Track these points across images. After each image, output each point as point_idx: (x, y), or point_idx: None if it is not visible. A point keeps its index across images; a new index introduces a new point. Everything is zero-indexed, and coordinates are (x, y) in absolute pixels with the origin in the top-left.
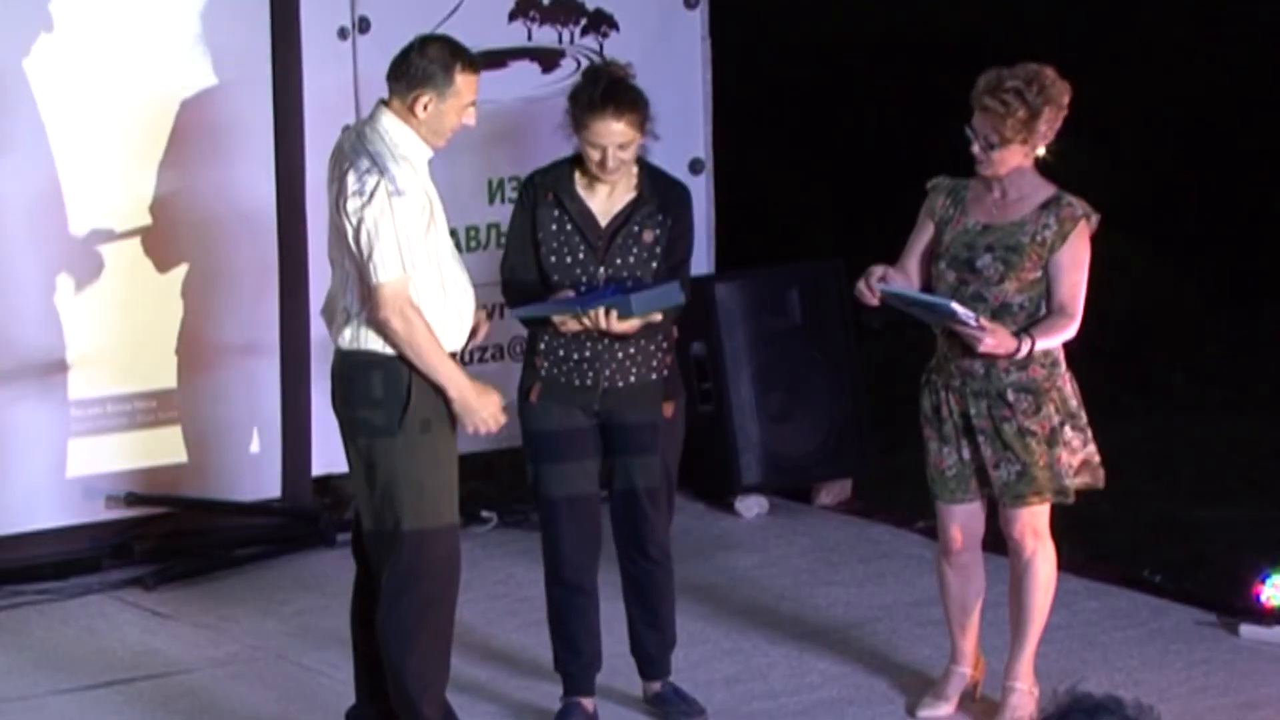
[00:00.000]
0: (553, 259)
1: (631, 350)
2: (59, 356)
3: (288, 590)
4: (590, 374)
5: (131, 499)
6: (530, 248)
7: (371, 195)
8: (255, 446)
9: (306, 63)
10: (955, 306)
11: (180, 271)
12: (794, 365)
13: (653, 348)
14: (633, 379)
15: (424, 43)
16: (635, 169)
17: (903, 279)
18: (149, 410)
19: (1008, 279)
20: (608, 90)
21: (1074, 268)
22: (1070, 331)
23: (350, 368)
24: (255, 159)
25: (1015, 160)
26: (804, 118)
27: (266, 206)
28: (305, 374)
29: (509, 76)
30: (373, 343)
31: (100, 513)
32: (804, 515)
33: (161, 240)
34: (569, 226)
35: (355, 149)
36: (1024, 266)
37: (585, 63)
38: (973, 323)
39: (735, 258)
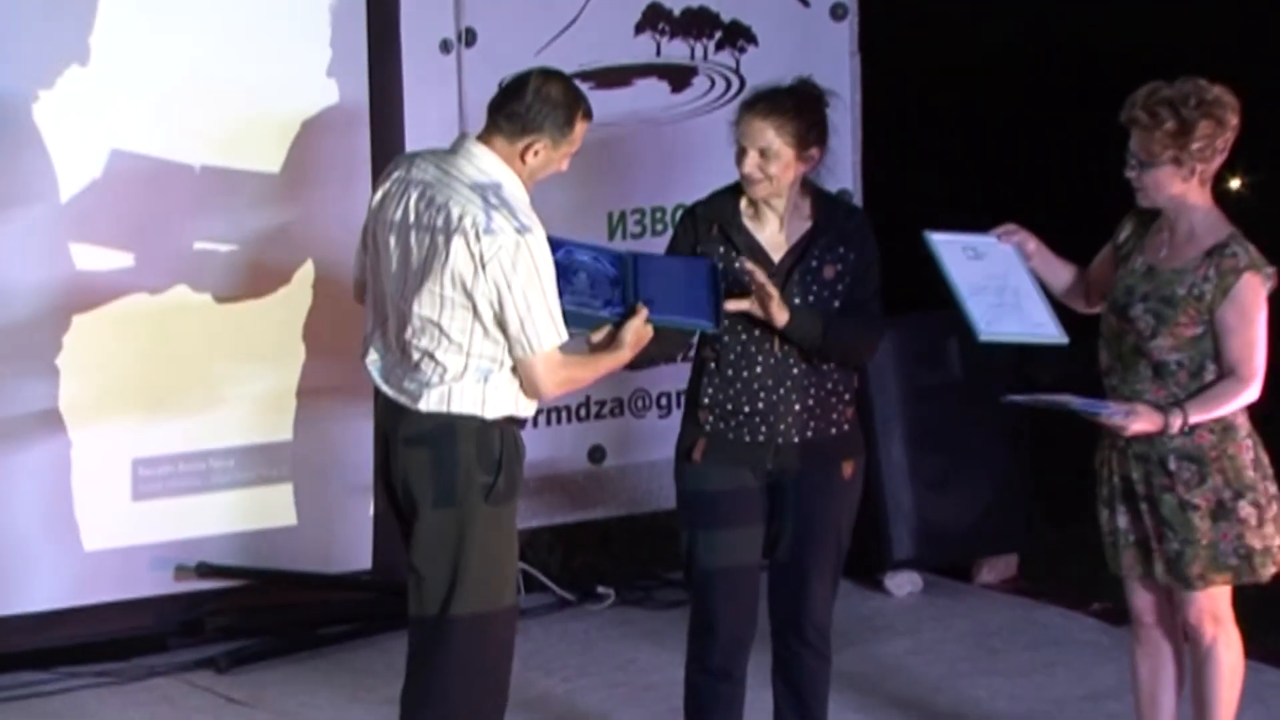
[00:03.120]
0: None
1: (810, 401)
2: (123, 409)
3: (378, 674)
4: (763, 428)
5: (204, 569)
6: None
7: (516, 250)
8: (344, 513)
9: (406, 81)
10: (1075, 404)
11: (262, 318)
12: (953, 425)
13: (834, 399)
14: (810, 434)
15: (544, 81)
16: (807, 199)
17: (1058, 273)
18: (225, 470)
19: (1160, 334)
20: (769, 91)
21: (1244, 325)
22: (1244, 397)
23: (438, 431)
24: (352, 190)
25: (1171, 186)
26: (965, 144)
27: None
28: None
29: (633, 96)
30: (468, 404)
31: (169, 585)
32: (963, 595)
33: (246, 281)
34: (737, 264)
35: (459, 187)
36: (1178, 322)
37: (720, 81)
38: (1104, 414)
39: (886, 301)
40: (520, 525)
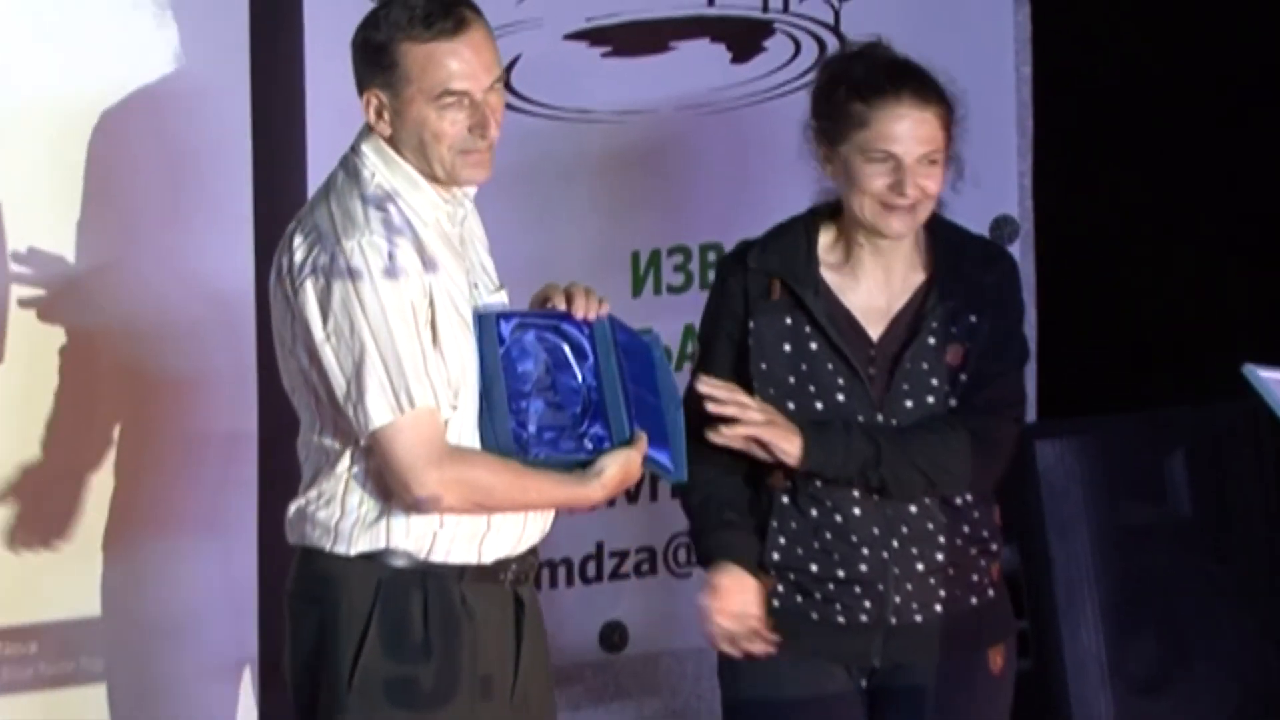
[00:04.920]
0: (790, 405)
1: (939, 555)
2: None
3: None
4: (867, 602)
5: None
6: (728, 373)
7: (332, 266)
8: (217, 699)
9: (310, 51)
10: None
11: (94, 408)
12: (1176, 587)
13: (974, 548)
14: (939, 607)
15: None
16: (922, 234)
17: None
18: (27, 660)
19: None
20: (902, 65)
21: None
22: None
23: (301, 582)
24: (220, 216)
25: None
26: (1180, 162)
27: (241, 294)
28: None
29: (672, 68)
30: (318, 534)
31: None
32: None
33: (70, 349)
34: (814, 345)
35: (319, 209)
36: None
37: (809, 43)
38: None
39: (1067, 387)
40: None
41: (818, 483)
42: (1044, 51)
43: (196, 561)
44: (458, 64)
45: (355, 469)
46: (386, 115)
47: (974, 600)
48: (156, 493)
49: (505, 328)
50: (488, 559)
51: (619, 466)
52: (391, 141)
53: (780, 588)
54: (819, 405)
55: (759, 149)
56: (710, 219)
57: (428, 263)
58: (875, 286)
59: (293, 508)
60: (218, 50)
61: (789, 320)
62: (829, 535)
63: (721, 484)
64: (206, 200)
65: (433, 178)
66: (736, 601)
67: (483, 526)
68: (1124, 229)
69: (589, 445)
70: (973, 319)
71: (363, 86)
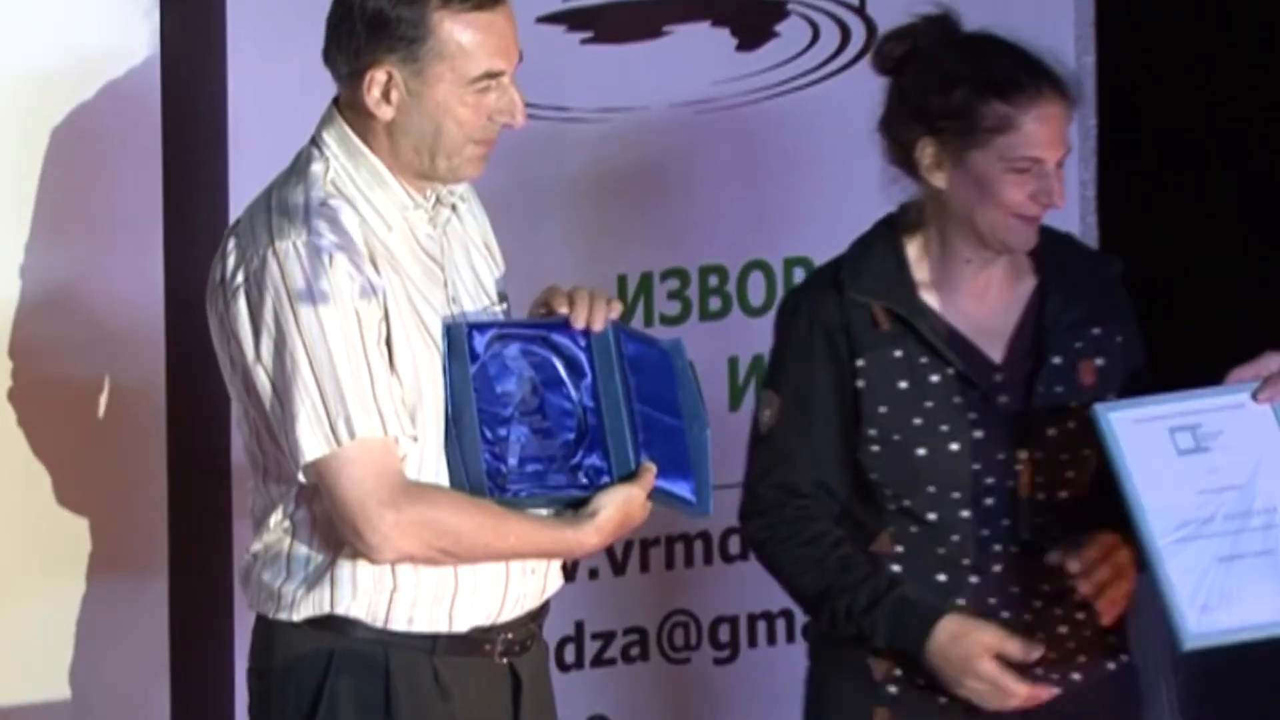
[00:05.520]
0: (920, 451)
1: (1080, 616)
2: None
3: None
4: None
5: None
6: (835, 424)
7: (264, 271)
8: None
9: (237, 34)
10: None
11: None
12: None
13: (1104, 601)
14: (1077, 676)
15: None
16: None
17: None
18: None
19: None
20: (1025, 53)
21: None
22: None
23: (261, 658)
24: (126, 222)
25: None
26: (1271, 167)
27: (148, 313)
28: (224, 642)
29: (667, 57)
30: (300, 603)
31: None
32: None
33: None
34: (935, 377)
35: (256, 205)
36: None
37: (829, 27)
38: None
39: None
40: None
41: (939, 549)
42: (1110, 39)
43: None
44: (498, 40)
45: (299, 514)
46: (396, 96)
47: (1110, 664)
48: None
49: (479, 340)
50: (462, 626)
51: (618, 506)
52: (367, 128)
53: (895, 669)
54: (953, 446)
55: (769, 154)
56: (712, 237)
57: (381, 270)
58: (978, 303)
59: (241, 565)
60: (121, 13)
61: (899, 353)
62: (960, 592)
63: (842, 534)
64: (108, 196)
65: (418, 174)
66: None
67: (449, 585)
68: (1203, 245)
69: (583, 479)
70: (1096, 331)
71: (363, 62)
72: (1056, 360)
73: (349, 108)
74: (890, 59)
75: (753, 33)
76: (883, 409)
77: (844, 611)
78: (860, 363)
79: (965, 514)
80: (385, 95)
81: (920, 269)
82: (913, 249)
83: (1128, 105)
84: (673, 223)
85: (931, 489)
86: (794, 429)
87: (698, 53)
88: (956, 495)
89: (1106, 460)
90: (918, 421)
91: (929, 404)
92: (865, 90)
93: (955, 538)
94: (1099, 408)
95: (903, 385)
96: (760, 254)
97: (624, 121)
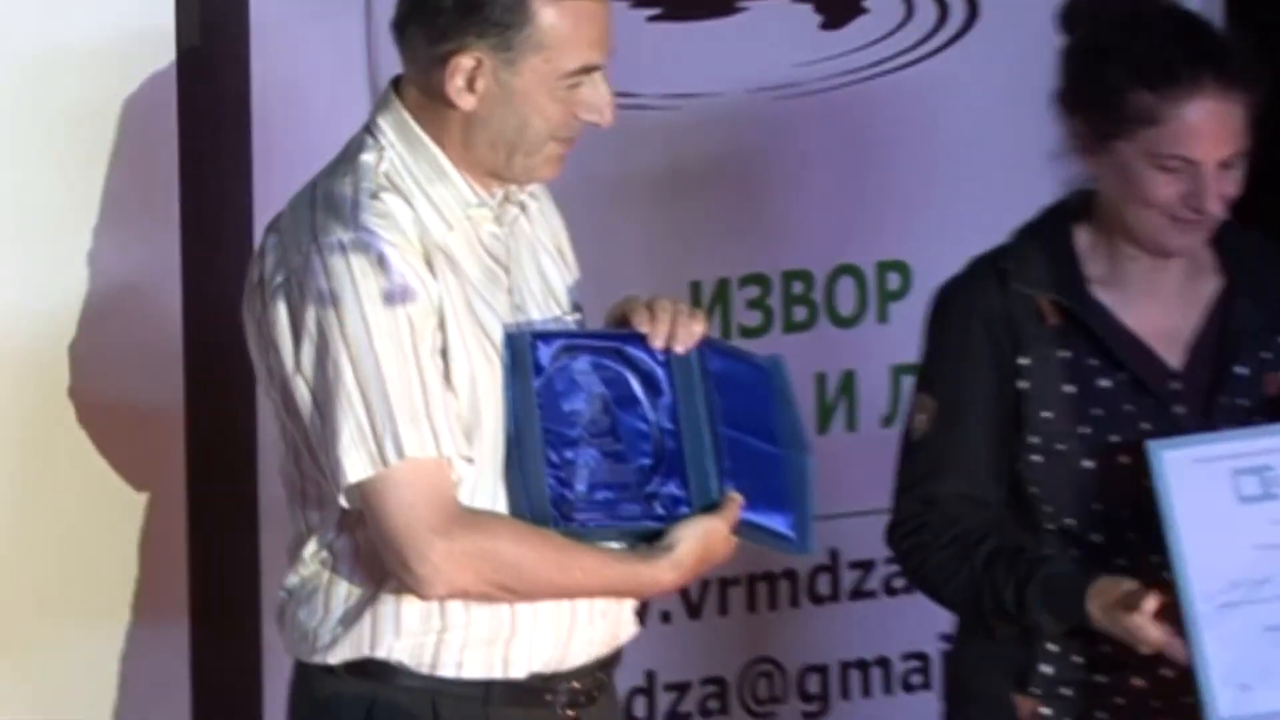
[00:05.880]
0: (1086, 463)
1: None
2: None
3: None
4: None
5: None
6: (993, 430)
7: (306, 272)
8: None
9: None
10: None
11: None
12: None
13: None
14: None
15: None
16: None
17: None
18: None
19: None
20: (1195, 32)
21: None
22: None
23: (299, 708)
24: (146, 212)
25: None
26: None
27: (168, 324)
28: (252, 696)
29: (742, 36)
30: (338, 645)
31: None
32: None
33: None
34: (1105, 381)
35: (299, 198)
36: None
37: (930, 4)
38: None
39: None
40: None
41: (1121, 559)
42: (1242, 9)
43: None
44: (599, 31)
45: (339, 544)
46: (481, 85)
47: None
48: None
49: (545, 352)
50: (520, 672)
51: (697, 540)
52: (437, 117)
53: (1044, 710)
54: (1124, 459)
55: (859, 145)
56: (796, 239)
57: (438, 272)
58: (1155, 302)
59: (276, 603)
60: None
61: (1066, 353)
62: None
63: (1006, 528)
64: (123, 183)
65: (489, 170)
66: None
67: (506, 626)
68: None
69: (660, 509)
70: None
71: (449, 46)
72: (1241, 370)
73: (420, 91)
74: (1068, 16)
75: (839, 8)
76: (1046, 414)
77: (992, 606)
78: (1024, 361)
79: (1133, 536)
80: (469, 84)
81: (1092, 262)
82: (1083, 240)
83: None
84: (751, 223)
85: (1098, 506)
86: (948, 435)
87: (777, 31)
88: (1125, 514)
89: (1156, 505)
90: (1085, 430)
91: (1097, 411)
92: (967, 72)
93: (1121, 561)
94: (1153, 444)
95: (1069, 389)
96: (850, 258)
97: (696, 109)
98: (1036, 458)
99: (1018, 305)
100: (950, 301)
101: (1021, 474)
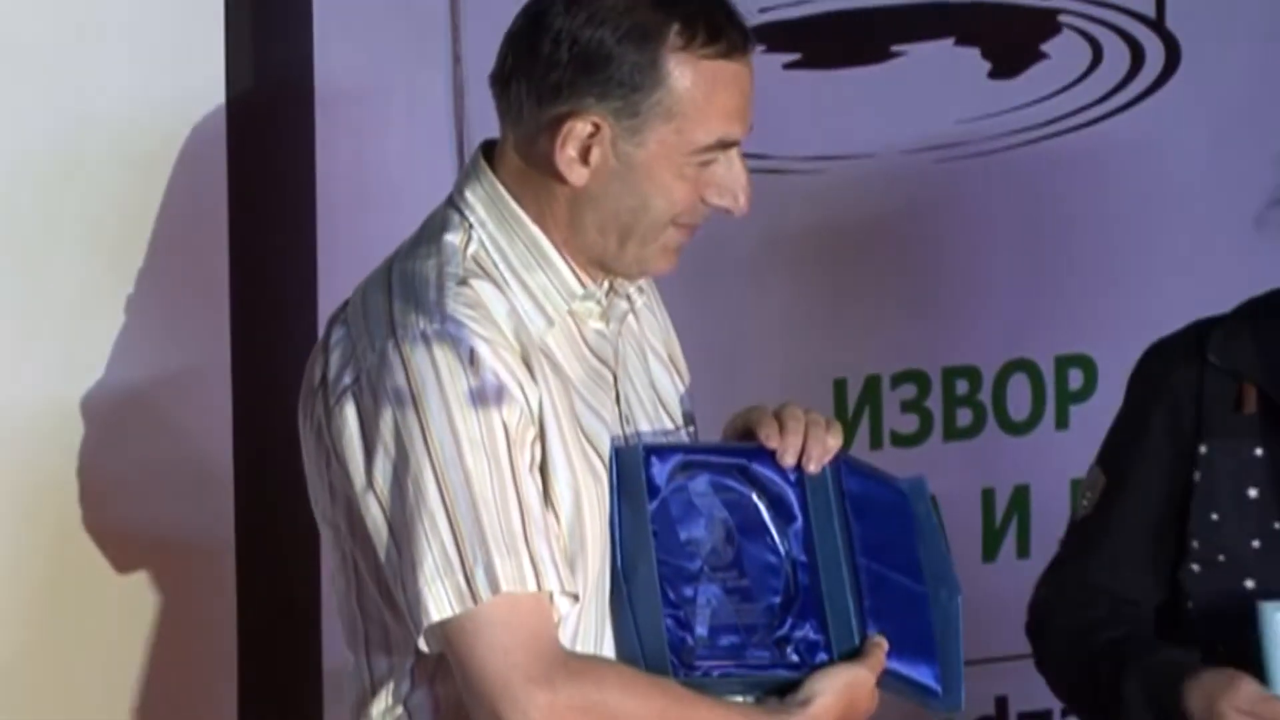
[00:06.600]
0: (1248, 583)
1: None
2: None
3: None
4: None
5: None
6: (1153, 524)
7: (381, 372)
8: None
9: (326, 77)
10: None
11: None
12: None
13: None
14: None
15: None
16: None
17: None
18: None
19: None
20: None
21: None
22: None
23: None
24: (189, 301)
25: None
26: None
27: (217, 445)
28: None
29: (899, 86)
30: None
31: None
32: None
33: None
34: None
35: (371, 284)
36: None
37: (1115, 49)
38: None
39: None
40: None
41: None
42: None
43: None
44: (740, 100)
45: (416, 698)
46: (596, 156)
47: None
48: None
49: (659, 470)
50: None
51: (838, 694)
52: (539, 191)
53: None
54: None
55: (1036, 215)
56: (960, 329)
57: (537, 374)
58: None
59: None
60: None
61: (1259, 450)
62: None
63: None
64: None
65: (594, 258)
66: (1247, 690)
67: None
68: None
69: (793, 656)
70: None
71: (563, 107)
72: None
73: (521, 159)
74: None
75: (1012, 53)
76: (1214, 516)
77: (1090, 697)
78: (1204, 449)
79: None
80: (583, 155)
81: None
82: None
83: None
84: (907, 309)
85: (1255, 635)
86: (1105, 519)
87: (939, 80)
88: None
89: (1262, 669)
90: (1256, 545)
91: (1279, 525)
92: (1166, 129)
93: None
94: (1267, 606)
95: (1252, 493)
96: (1024, 351)
97: (842, 172)
98: (1196, 567)
99: (1213, 384)
100: (1146, 364)
101: (1181, 583)
